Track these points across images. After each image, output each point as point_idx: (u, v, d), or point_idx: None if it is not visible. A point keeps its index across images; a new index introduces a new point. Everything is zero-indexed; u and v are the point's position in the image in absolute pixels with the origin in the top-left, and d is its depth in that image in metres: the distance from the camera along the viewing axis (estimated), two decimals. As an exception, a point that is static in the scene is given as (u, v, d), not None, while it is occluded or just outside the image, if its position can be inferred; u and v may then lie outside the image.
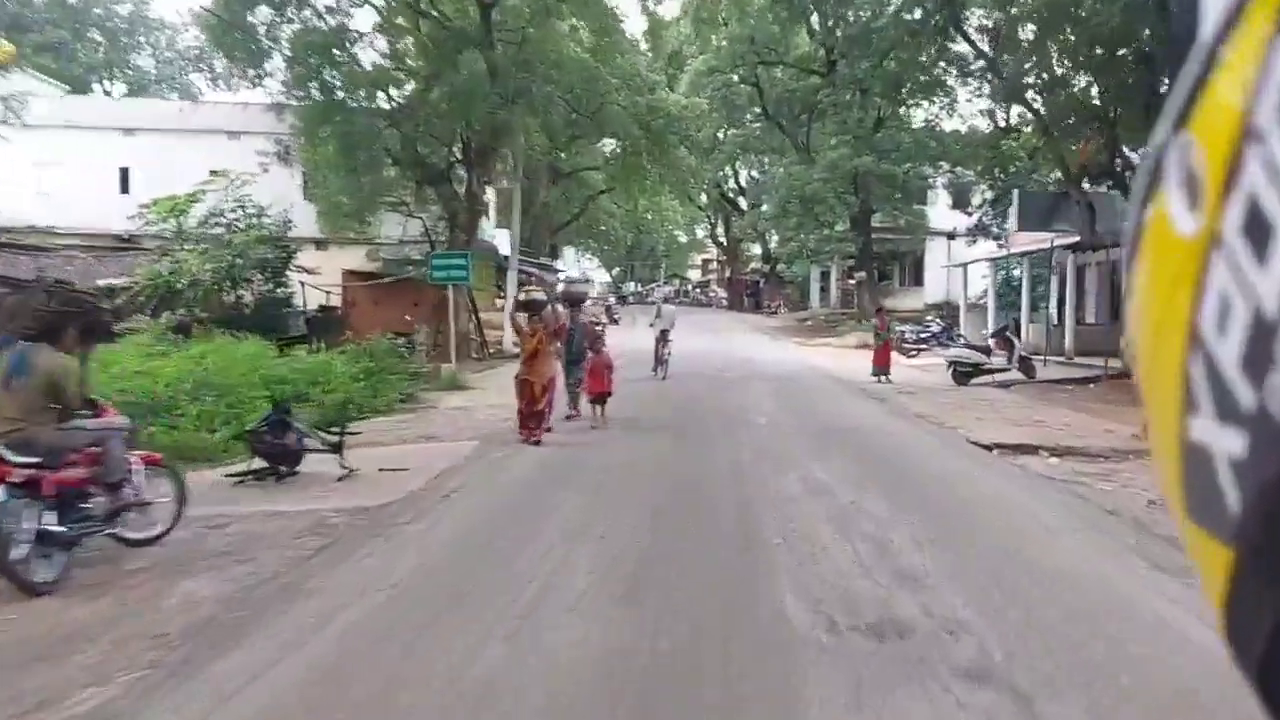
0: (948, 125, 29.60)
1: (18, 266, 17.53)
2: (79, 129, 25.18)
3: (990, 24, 14.49)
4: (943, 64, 20.75)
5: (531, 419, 8.43)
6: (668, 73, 31.97)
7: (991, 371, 15.13)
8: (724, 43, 30.70)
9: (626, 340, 22.90)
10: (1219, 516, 0.26)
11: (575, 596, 3.85)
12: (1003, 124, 22.83)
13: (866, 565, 4.30)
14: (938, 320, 24.54)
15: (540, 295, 9.00)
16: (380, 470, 7.34)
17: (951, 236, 31.54)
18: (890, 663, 3.11)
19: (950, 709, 2.75)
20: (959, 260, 27.04)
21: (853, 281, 34.23)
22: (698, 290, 60.01)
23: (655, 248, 60.72)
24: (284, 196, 19.85)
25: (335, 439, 7.40)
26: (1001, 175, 27.35)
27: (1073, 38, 13.01)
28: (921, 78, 27.82)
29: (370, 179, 18.58)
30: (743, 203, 43.13)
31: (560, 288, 10.82)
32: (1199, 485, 0.27)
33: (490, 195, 29.19)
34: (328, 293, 21.89)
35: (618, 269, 66.74)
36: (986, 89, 21.41)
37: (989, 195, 28.66)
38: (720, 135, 35.48)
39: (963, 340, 19.05)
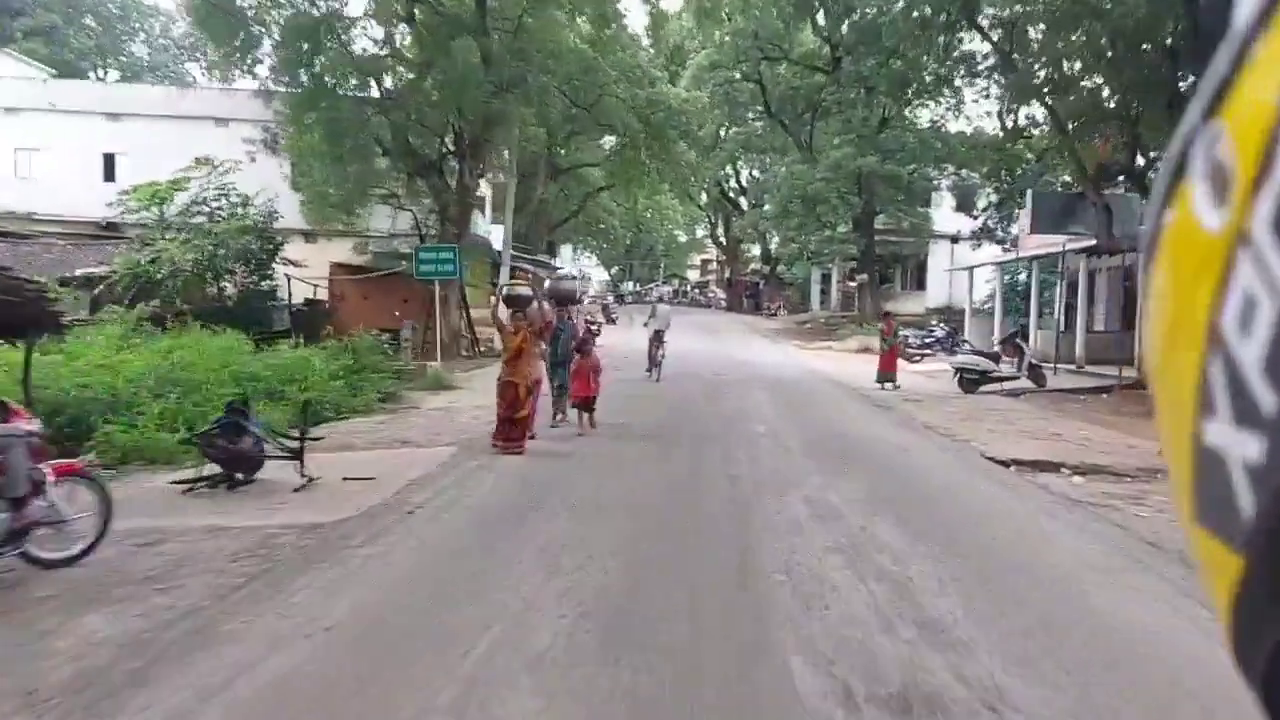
0: (953, 127, 29.07)
1: (-11, 253, 16.91)
2: (62, 113, 24.48)
3: (1006, 15, 13.86)
4: (949, 62, 20.17)
5: (514, 426, 7.78)
6: (669, 69, 31.36)
7: (1000, 379, 14.53)
8: (727, 38, 30.04)
9: (622, 341, 22.30)
10: (1231, 522, 0.26)
11: (539, 650, 3.22)
12: (1011, 125, 22.24)
13: (884, 612, 3.67)
14: (942, 325, 23.94)
15: (525, 290, 8.34)
16: (344, 479, 6.71)
17: (955, 240, 30.96)
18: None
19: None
20: (961, 264, 26.46)
21: (854, 284, 33.64)
22: (696, 291, 59.36)
23: (654, 247, 60.10)
24: (272, 186, 19.22)
25: (295, 444, 6.76)
26: (1008, 178, 26.80)
27: (1094, 30, 12.40)
28: (928, 77, 27.32)
29: (357, 168, 17.92)
30: (744, 203, 42.51)
31: (547, 284, 10.13)
32: (1211, 489, 0.27)
33: (487, 190, 28.56)
34: (315, 286, 21.25)
35: (616, 268, 66.08)
36: (994, 90, 20.84)
37: (994, 198, 28.13)
38: (722, 133, 34.86)
39: (968, 346, 18.47)
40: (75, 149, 24.39)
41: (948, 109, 29.10)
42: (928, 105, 29.95)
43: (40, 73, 27.63)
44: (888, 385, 14.13)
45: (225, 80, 21.05)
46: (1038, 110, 21.61)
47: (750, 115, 34.15)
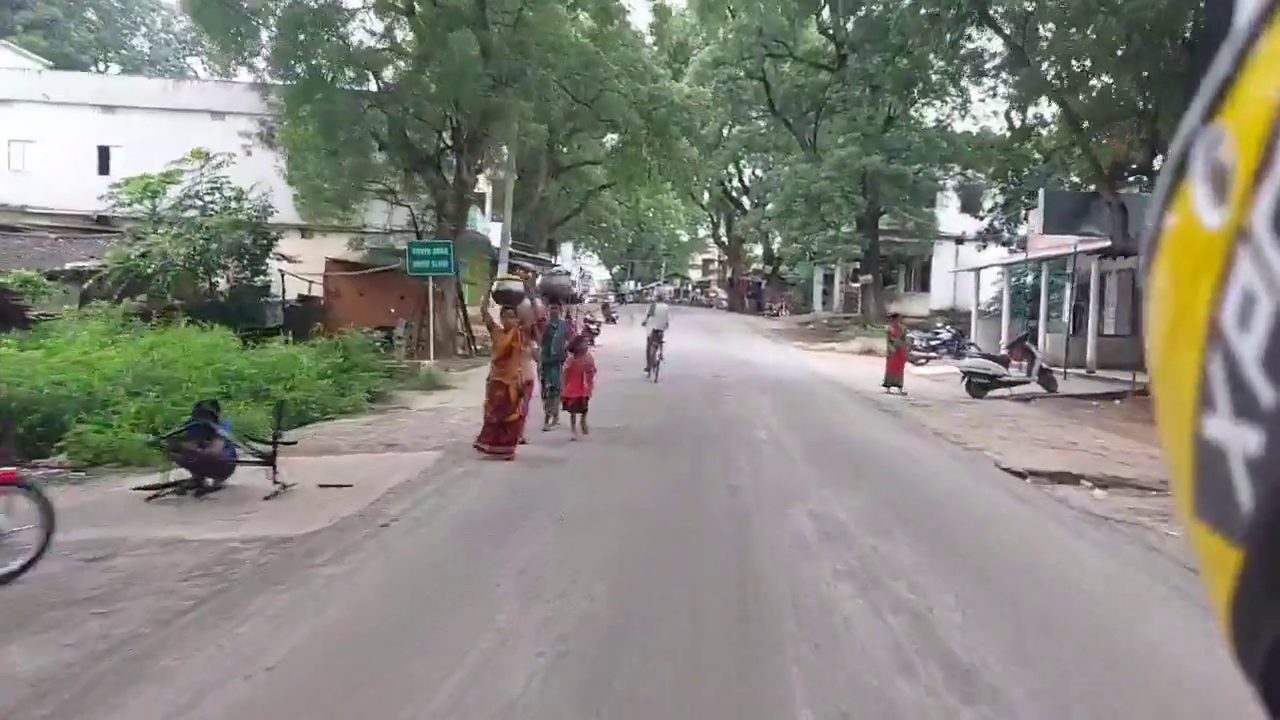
0: (959, 126, 28.65)
1: (-22, 246, 16.56)
2: (57, 105, 24.10)
3: (1019, 9, 13.43)
4: (957, 60, 19.75)
5: (504, 430, 7.37)
6: (672, 67, 30.96)
7: (1009, 384, 14.10)
8: (731, 34, 29.61)
9: (621, 341, 21.90)
10: (1230, 516, 0.26)
11: (509, 698, 2.81)
12: (1019, 124, 21.79)
13: (904, 651, 3.26)
14: (948, 327, 23.49)
15: (516, 286, 7.92)
16: (320, 486, 6.31)
17: (960, 241, 30.52)
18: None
19: None
20: (966, 265, 26.02)
21: (857, 285, 33.22)
22: (698, 290, 58.96)
23: (656, 246, 59.67)
24: (267, 181, 18.84)
25: (268, 449, 6.36)
26: (1015, 179, 26.35)
27: (1109, 25, 11.97)
28: (934, 76, 26.88)
29: (352, 161, 17.52)
30: (746, 202, 42.08)
31: (539, 280, 9.71)
32: (1211, 484, 0.27)
33: (487, 188, 28.17)
34: (310, 282, 20.87)
35: (618, 267, 65.66)
36: (1001, 89, 20.40)
37: (1000, 199, 27.70)
38: (725, 132, 34.44)
39: (974, 349, 18.05)
40: (70, 141, 24.01)
41: (954, 108, 28.68)
42: (933, 104, 29.53)
43: (35, 64, 27.26)
44: (893, 389, 13.71)
45: (225, 74, 20.63)
46: (1046, 109, 21.28)
47: (754, 114, 33.75)
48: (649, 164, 24.51)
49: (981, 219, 28.13)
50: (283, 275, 19.47)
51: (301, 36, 17.36)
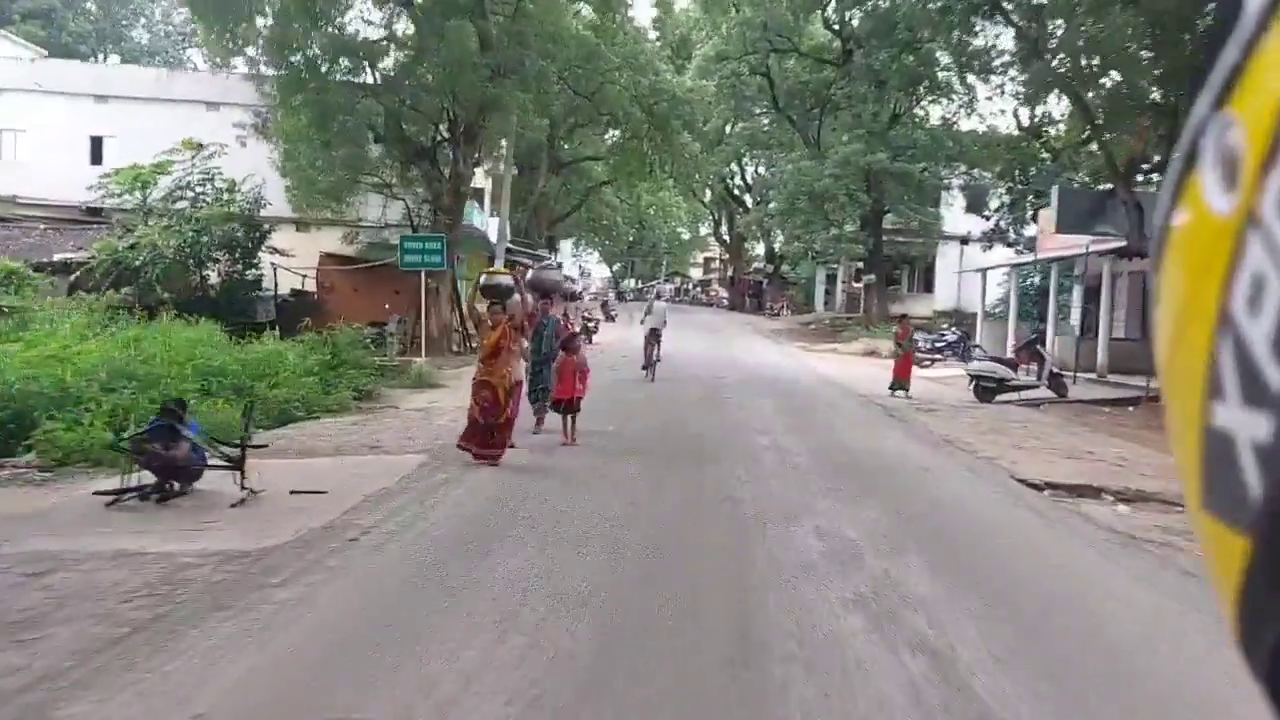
0: (965, 125, 28.22)
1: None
2: (49, 94, 23.66)
3: (1033, 1, 13.00)
4: (964, 57, 19.32)
5: (491, 433, 6.95)
6: (675, 62, 30.53)
7: (1018, 388, 13.69)
8: (734, 28, 29.15)
9: (619, 339, 21.49)
10: (1238, 504, 0.26)
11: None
12: (1030, 121, 21.35)
13: (926, 702, 2.85)
14: (953, 329, 23.06)
15: (505, 279, 7.49)
16: (291, 493, 5.90)
17: (965, 241, 30.08)
18: None
19: None
20: (970, 267, 25.58)
21: (859, 285, 32.79)
22: (698, 289, 58.53)
23: (657, 244, 59.22)
24: (262, 173, 18.43)
25: (236, 452, 5.95)
26: (1022, 178, 25.90)
27: (1126, 17, 11.54)
28: (941, 74, 26.42)
29: (345, 151, 17.09)
30: (748, 200, 41.64)
31: (530, 273, 9.26)
32: (1219, 473, 0.27)
33: (486, 183, 27.75)
34: (303, 277, 20.46)
35: (618, 265, 65.22)
36: (1009, 87, 19.97)
37: (1007, 199, 27.25)
38: (727, 129, 34.00)
39: (980, 352, 17.64)
40: (62, 131, 23.57)
41: (960, 106, 28.23)
42: (939, 102, 29.10)
43: (28, 52, 26.82)
44: (899, 393, 13.29)
45: (223, 63, 20.21)
46: (1055, 107, 20.84)
47: (757, 110, 33.30)
48: (650, 159, 24.09)
49: (987, 219, 27.69)
50: (274, 269, 19.06)
51: (297, 26, 16.96)
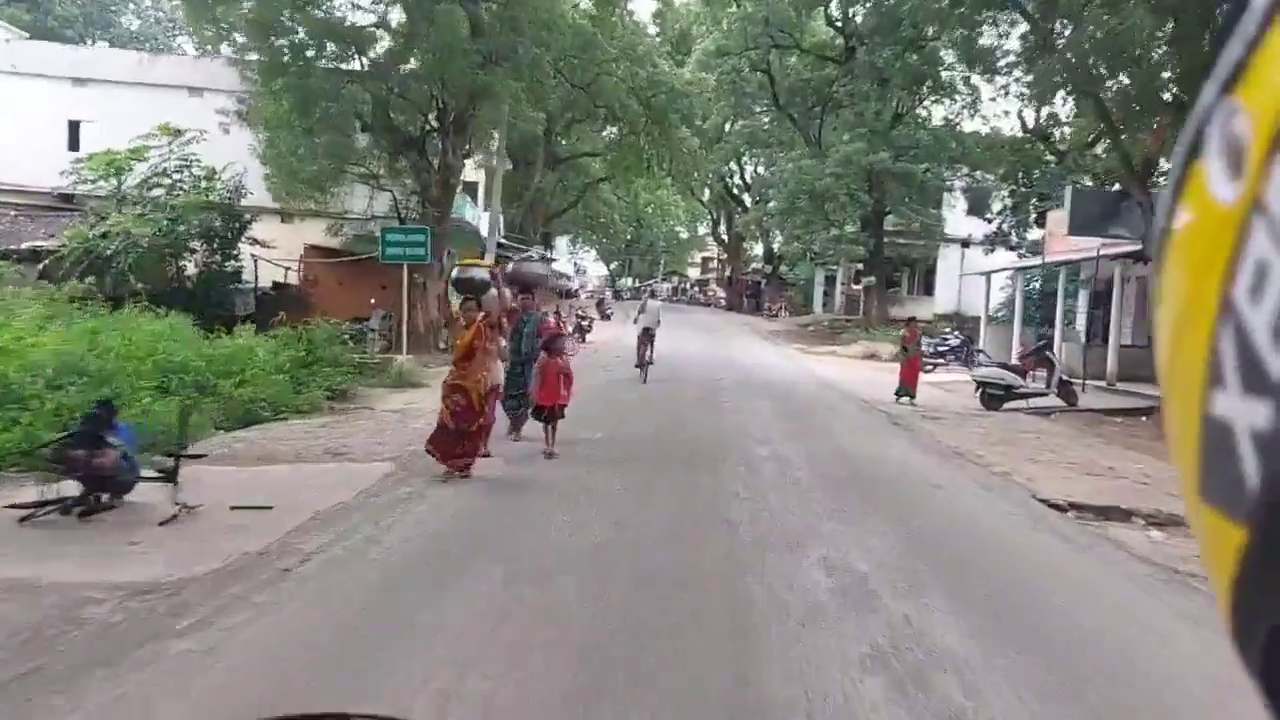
0: (968, 126, 27.68)
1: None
2: (24, 76, 22.89)
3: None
4: (970, 56, 18.74)
5: (461, 441, 6.31)
6: (675, 58, 29.89)
7: (1026, 395, 13.11)
8: (735, 23, 28.54)
9: (613, 339, 20.86)
10: (1235, 494, 0.26)
11: None
12: (1036, 121, 20.79)
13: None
14: (956, 333, 22.50)
15: (481, 272, 6.84)
16: (232, 508, 5.26)
17: (966, 244, 29.53)
18: None
19: None
20: (971, 270, 25.03)
21: (858, 287, 32.24)
22: (696, 289, 57.94)
23: (655, 243, 58.62)
24: (245, 163, 17.73)
25: (169, 463, 5.30)
26: (1026, 180, 25.34)
27: (1144, 11, 10.97)
28: (944, 73, 25.87)
29: (329, 139, 16.40)
30: (747, 199, 41.05)
31: (509, 267, 8.59)
32: (1217, 462, 0.27)
33: (480, 177, 27.07)
34: (286, 269, 19.77)
35: (615, 263, 64.59)
36: (1014, 87, 19.39)
37: (1010, 201, 26.72)
38: (727, 126, 33.40)
39: (984, 357, 17.07)
40: (39, 115, 22.79)
41: (963, 106, 27.68)
42: (943, 102, 28.55)
43: (5, 34, 26.01)
44: (904, 399, 12.70)
45: (211, 49, 19.46)
46: (1062, 108, 20.28)
47: (757, 108, 32.69)
48: (648, 154, 23.45)
49: (990, 221, 27.15)
50: (255, 261, 18.36)
51: (283, 12, 16.29)
